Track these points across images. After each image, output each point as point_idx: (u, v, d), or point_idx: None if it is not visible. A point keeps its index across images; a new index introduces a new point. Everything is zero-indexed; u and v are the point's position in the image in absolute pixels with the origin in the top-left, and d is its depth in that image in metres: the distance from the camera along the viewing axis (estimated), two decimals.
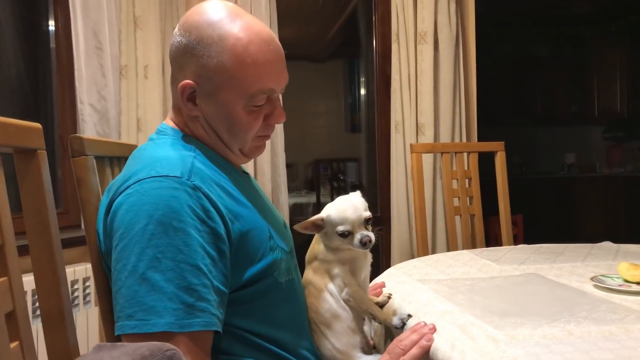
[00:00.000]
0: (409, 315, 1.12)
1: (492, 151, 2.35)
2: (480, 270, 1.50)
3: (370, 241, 1.11)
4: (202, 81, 1.05)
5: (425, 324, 1.04)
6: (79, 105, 2.58)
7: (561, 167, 6.21)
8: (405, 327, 1.10)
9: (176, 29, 1.08)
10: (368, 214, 1.14)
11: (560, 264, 1.54)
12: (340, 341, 1.14)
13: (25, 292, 0.87)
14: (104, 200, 1.02)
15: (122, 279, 0.90)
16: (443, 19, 2.85)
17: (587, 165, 6.17)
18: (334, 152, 6.07)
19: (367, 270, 1.19)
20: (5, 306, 0.80)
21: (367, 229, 1.13)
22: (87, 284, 2.39)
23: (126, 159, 1.12)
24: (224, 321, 0.96)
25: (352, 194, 1.18)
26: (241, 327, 1.02)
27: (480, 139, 2.99)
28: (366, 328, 1.26)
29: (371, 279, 1.35)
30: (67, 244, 2.09)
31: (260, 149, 1.17)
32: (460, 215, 2.29)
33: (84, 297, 2.38)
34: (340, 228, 1.11)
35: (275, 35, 1.10)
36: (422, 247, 2.19)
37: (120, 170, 1.25)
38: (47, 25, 2.78)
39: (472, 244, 2.29)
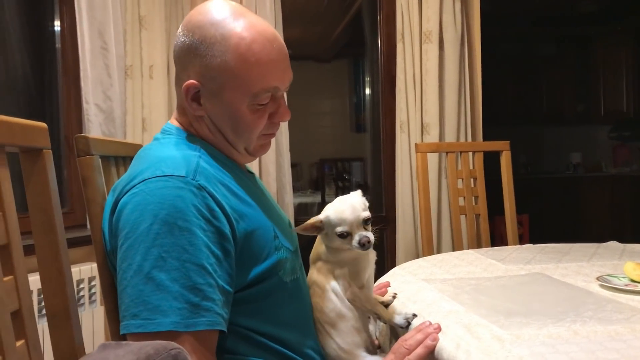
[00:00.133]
0: (414, 315, 1.12)
1: (498, 151, 2.34)
2: (485, 269, 1.50)
3: (368, 242, 1.10)
4: (206, 81, 1.05)
5: (430, 323, 1.04)
6: (84, 105, 2.58)
7: (567, 167, 6.19)
8: (410, 326, 1.10)
9: (180, 29, 1.08)
10: (367, 214, 1.13)
11: (566, 263, 1.53)
12: (345, 340, 1.14)
13: (31, 292, 0.88)
14: (110, 199, 1.02)
15: (128, 278, 0.91)
16: (448, 19, 2.84)
17: (593, 165, 6.15)
18: (339, 152, 6.06)
19: (371, 269, 1.19)
20: (11, 305, 0.81)
21: (366, 229, 1.12)
22: (93, 283, 2.40)
23: (131, 158, 1.12)
24: (229, 320, 0.96)
25: (352, 193, 1.18)
26: (246, 326, 1.02)
27: (485, 138, 2.98)
28: (371, 327, 1.26)
29: (376, 279, 1.35)
30: (73, 243, 2.10)
31: (265, 147, 1.17)
32: (466, 215, 2.28)
33: (90, 297, 2.38)
34: (339, 229, 1.11)
35: (278, 34, 1.10)
36: (427, 246, 2.19)
37: (125, 170, 1.25)
38: (53, 26, 2.79)
39: (477, 244, 2.29)
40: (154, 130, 2.67)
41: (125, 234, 0.93)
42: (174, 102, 2.44)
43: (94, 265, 2.34)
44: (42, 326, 1.83)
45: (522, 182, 3.44)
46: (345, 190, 5.32)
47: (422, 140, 2.85)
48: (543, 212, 5.39)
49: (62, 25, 2.72)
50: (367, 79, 6.11)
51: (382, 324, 1.28)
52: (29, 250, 0.88)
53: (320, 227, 1.14)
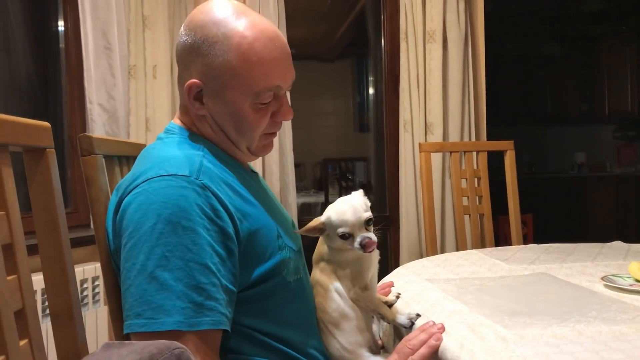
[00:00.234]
0: (418, 315, 1.12)
1: (502, 150, 2.34)
2: (489, 269, 1.49)
3: (370, 243, 1.08)
4: (208, 80, 1.05)
5: (434, 323, 1.04)
6: (88, 105, 2.59)
7: (571, 167, 6.17)
8: (414, 326, 1.10)
9: (182, 28, 1.08)
10: (368, 215, 1.11)
11: (571, 263, 1.53)
12: (348, 340, 1.13)
13: (35, 292, 0.88)
14: (113, 199, 1.02)
15: (131, 277, 0.91)
16: (452, 18, 2.84)
17: (598, 165, 6.13)
18: (343, 152, 6.06)
19: (374, 269, 1.18)
20: (15, 304, 0.81)
21: (368, 230, 1.11)
22: (97, 283, 2.40)
23: (135, 158, 1.13)
24: (232, 320, 0.96)
25: (354, 193, 1.16)
26: (250, 326, 1.02)
27: (489, 138, 2.97)
28: (375, 327, 1.26)
29: (380, 279, 1.35)
30: (77, 243, 2.10)
31: (267, 147, 1.17)
32: (470, 215, 2.28)
33: (94, 297, 2.39)
34: (340, 230, 1.10)
35: (280, 33, 1.09)
36: (431, 246, 2.19)
37: (129, 170, 1.25)
38: (57, 26, 2.80)
39: (481, 244, 2.28)
40: (158, 130, 2.68)
41: (129, 234, 0.93)
42: (178, 101, 2.44)
43: (98, 264, 2.36)
44: (46, 326, 1.83)
45: (526, 182, 3.43)
46: (348, 190, 5.30)
47: (425, 140, 2.84)
48: (547, 212, 5.38)
49: (65, 25, 2.72)
50: (371, 78, 6.10)
51: (385, 324, 1.28)
52: (32, 250, 0.88)
53: (322, 229, 1.13)
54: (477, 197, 2.30)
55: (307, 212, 4.50)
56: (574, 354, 0.85)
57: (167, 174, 0.95)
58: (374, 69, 5.50)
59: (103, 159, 1.13)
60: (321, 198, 5.12)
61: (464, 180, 2.31)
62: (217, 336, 0.93)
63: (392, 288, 1.36)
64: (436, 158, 2.77)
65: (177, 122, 1.15)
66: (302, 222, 1.16)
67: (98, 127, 2.59)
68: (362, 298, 1.14)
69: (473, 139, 2.88)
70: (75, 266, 0.98)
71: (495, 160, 2.41)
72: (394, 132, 2.98)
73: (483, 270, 1.48)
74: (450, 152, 2.33)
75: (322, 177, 5.80)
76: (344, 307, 1.14)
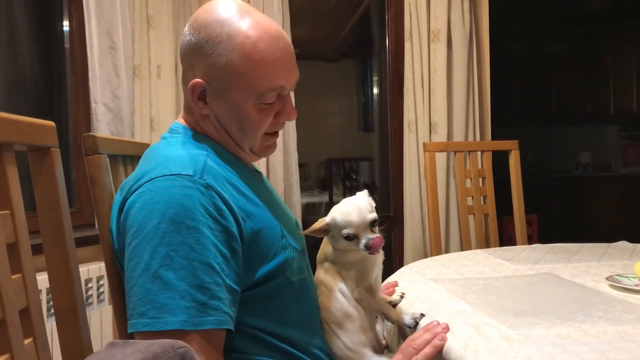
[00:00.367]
0: (422, 315, 1.12)
1: (506, 150, 2.33)
2: (494, 269, 1.49)
3: (374, 245, 1.08)
4: (212, 80, 1.05)
5: (438, 323, 1.03)
6: (92, 104, 2.59)
7: (576, 167, 6.15)
8: (418, 326, 1.10)
9: (186, 28, 1.08)
10: (373, 216, 1.11)
11: (576, 263, 1.52)
12: (352, 340, 1.13)
13: (40, 291, 0.88)
14: (117, 198, 1.02)
15: (135, 277, 0.91)
16: (456, 17, 2.83)
17: (603, 165, 6.10)
18: (347, 152, 6.06)
19: (378, 269, 1.18)
20: (20, 303, 0.81)
21: (373, 231, 1.10)
22: (101, 282, 2.40)
23: (139, 157, 1.13)
24: (236, 320, 0.96)
25: (358, 194, 1.16)
26: (254, 325, 1.02)
27: (494, 137, 2.97)
28: (379, 327, 1.26)
29: (384, 278, 1.34)
30: (81, 242, 2.10)
31: (270, 148, 1.16)
32: (474, 215, 2.27)
33: (98, 296, 2.39)
34: (345, 231, 1.09)
35: (284, 32, 1.09)
36: (435, 246, 2.18)
37: (133, 169, 1.25)
38: (62, 26, 2.81)
39: (485, 244, 2.28)
40: (162, 129, 2.68)
41: (133, 233, 0.93)
42: (182, 101, 2.45)
43: (102, 264, 2.35)
44: (50, 325, 1.83)
45: (531, 182, 3.41)
46: (352, 190, 5.31)
47: (430, 140, 2.84)
48: (552, 212, 5.36)
49: (70, 25, 2.73)
50: (375, 78, 6.10)
51: (389, 323, 1.28)
52: (37, 249, 0.89)
53: (327, 230, 1.13)
54: (481, 197, 2.29)
55: (311, 212, 4.49)
56: (579, 354, 0.84)
57: (171, 174, 0.95)
58: (378, 68, 5.49)
59: (107, 159, 1.14)
60: (325, 198, 5.11)
61: (468, 180, 2.31)
62: (221, 336, 0.93)
63: (396, 288, 1.36)
64: (440, 158, 2.77)
65: (181, 121, 1.15)
66: (306, 222, 1.15)
67: (103, 126, 2.60)
68: (366, 298, 1.14)
69: (477, 138, 2.88)
70: (79, 266, 0.99)
71: (499, 160, 2.40)
72: (399, 131, 2.97)
73: (487, 270, 1.48)
74: (455, 152, 2.33)
75: (326, 177, 5.80)
76: (347, 307, 1.14)
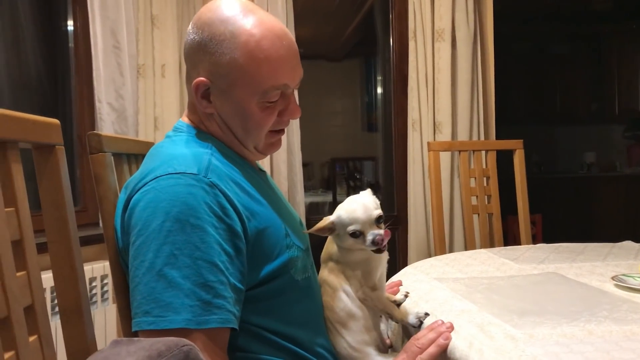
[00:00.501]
0: (426, 314, 1.11)
1: (511, 149, 2.32)
2: (498, 269, 1.49)
3: (382, 241, 1.08)
4: (216, 78, 1.05)
5: (443, 322, 1.03)
6: (97, 104, 2.60)
7: (581, 166, 6.13)
8: (423, 325, 1.09)
9: (190, 27, 1.08)
10: (379, 212, 1.11)
11: (580, 263, 1.52)
12: (355, 339, 1.13)
13: (44, 290, 0.88)
14: (122, 197, 1.02)
15: (140, 275, 0.91)
16: (461, 17, 2.83)
17: (608, 165, 6.08)
18: (351, 151, 6.06)
19: (382, 268, 1.18)
20: (24, 300, 0.81)
21: (379, 227, 1.10)
22: (105, 281, 2.41)
23: (143, 156, 1.13)
24: (240, 318, 0.96)
25: (362, 192, 1.16)
26: (258, 324, 1.02)
27: (498, 137, 2.96)
28: (383, 327, 1.25)
29: (388, 278, 1.34)
30: (85, 241, 2.11)
31: (275, 145, 1.16)
32: (478, 214, 2.27)
33: (102, 295, 2.40)
34: (351, 228, 1.09)
35: (288, 31, 1.09)
36: (440, 245, 2.18)
37: (137, 168, 1.25)
38: (66, 25, 2.82)
39: (490, 243, 2.27)
40: (166, 128, 2.68)
41: (138, 231, 0.93)
42: (186, 100, 2.45)
43: (106, 263, 2.37)
44: (55, 324, 1.84)
45: (535, 182, 3.40)
46: (356, 189, 5.31)
47: (434, 139, 2.83)
48: (556, 212, 5.35)
49: (75, 25, 2.74)
50: (379, 77, 6.10)
51: (394, 323, 1.27)
52: (42, 248, 0.89)
53: (332, 228, 1.13)
54: (485, 197, 2.29)
55: (315, 211, 4.49)
56: (584, 353, 0.84)
57: (176, 172, 0.95)
58: (382, 68, 5.49)
59: (112, 157, 1.14)
60: (329, 197, 5.11)
61: (472, 180, 2.30)
62: (225, 334, 0.93)
63: (400, 287, 1.36)
64: (445, 157, 2.76)
65: (185, 120, 1.15)
66: (309, 222, 1.15)
67: (107, 125, 2.60)
68: (370, 298, 1.14)
69: (482, 138, 2.87)
70: (84, 264, 0.99)
71: (504, 160, 2.39)
72: (403, 131, 2.97)
73: (492, 270, 1.48)
74: (459, 151, 2.33)
75: (330, 177, 5.80)
76: (351, 307, 1.13)
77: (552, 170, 6.14)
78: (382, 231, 1.09)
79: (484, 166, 2.32)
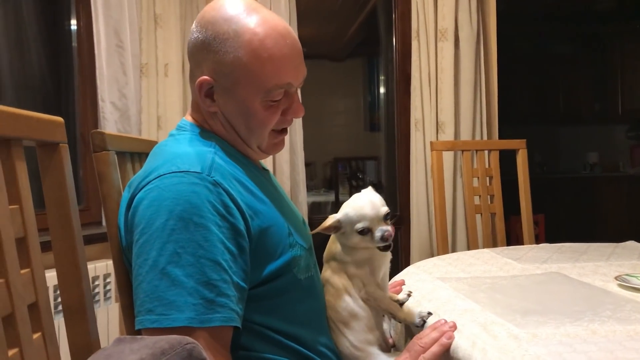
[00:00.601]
0: (429, 313, 1.11)
1: (514, 149, 2.32)
2: (501, 268, 1.48)
3: (391, 236, 1.09)
4: (219, 77, 1.05)
5: (446, 321, 1.03)
6: (100, 103, 2.60)
7: (584, 167, 6.12)
8: (426, 325, 1.09)
9: (194, 25, 1.08)
10: (386, 209, 1.11)
11: (584, 263, 1.51)
12: (358, 339, 1.13)
13: (48, 288, 0.88)
14: (125, 195, 1.02)
15: (143, 273, 0.91)
16: (464, 16, 2.83)
17: (611, 165, 6.07)
18: (353, 151, 6.06)
19: (386, 268, 1.18)
20: (28, 297, 0.81)
21: (386, 224, 1.11)
22: (108, 280, 2.41)
23: (147, 154, 1.13)
24: (243, 317, 0.96)
25: (363, 191, 1.17)
26: (261, 323, 1.02)
27: (501, 137, 2.95)
28: (385, 326, 1.25)
29: (390, 277, 1.34)
30: (88, 240, 2.11)
31: (278, 145, 1.16)
32: (481, 214, 2.27)
33: (105, 294, 2.40)
34: (359, 225, 1.09)
35: (292, 29, 1.09)
36: (442, 245, 2.18)
37: (141, 166, 1.25)
38: (69, 25, 2.82)
39: (492, 243, 2.27)
40: (169, 128, 2.69)
41: (141, 230, 0.93)
42: (189, 100, 2.45)
43: (109, 262, 2.37)
44: (58, 322, 1.84)
45: (538, 182, 3.40)
46: (359, 189, 5.28)
47: (437, 139, 2.83)
48: (559, 213, 5.34)
49: (78, 24, 2.74)
50: (382, 77, 6.10)
51: (396, 322, 1.27)
52: (45, 247, 0.89)
53: (338, 227, 1.13)
54: (488, 196, 2.29)
55: (317, 211, 4.49)
56: (587, 353, 0.84)
57: (179, 171, 0.95)
58: (385, 67, 5.49)
59: (115, 155, 1.14)
60: (331, 197, 5.11)
61: (475, 179, 2.30)
62: (228, 333, 0.93)
63: (402, 286, 1.36)
64: (448, 157, 2.76)
65: (188, 119, 1.15)
66: (312, 221, 1.15)
67: (110, 125, 2.60)
68: (373, 297, 1.14)
69: (485, 138, 2.87)
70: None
71: (506, 160, 2.39)
72: (405, 131, 2.97)
73: (495, 269, 1.47)
74: (462, 151, 2.32)
75: (333, 176, 5.80)
76: (353, 306, 1.13)
77: (555, 171, 6.13)
78: (390, 227, 1.10)
79: (487, 166, 2.32)
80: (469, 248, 2.40)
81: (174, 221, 0.91)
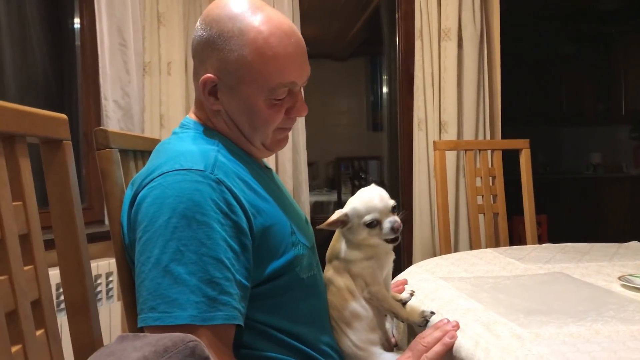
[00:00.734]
0: (432, 313, 1.11)
1: (517, 149, 2.32)
2: (504, 268, 1.48)
3: (400, 227, 1.10)
4: (223, 75, 1.05)
5: (449, 320, 1.03)
6: (103, 101, 2.61)
7: (586, 167, 6.11)
8: (428, 324, 1.09)
9: (198, 23, 1.08)
10: (393, 202, 1.12)
11: (587, 263, 1.51)
12: (360, 338, 1.13)
13: (51, 285, 0.88)
14: (128, 193, 1.02)
15: (146, 271, 0.91)
16: (467, 16, 2.82)
17: (614, 165, 6.06)
18: (356, 151, 6.06)
19: (389, 267, 1.18)
20: (31, 294, 0.82)
21: (394, 216, 1.11)
22: (110, 278, 2.41)
23: (150, 152, 1.13)
24: (246, 316, 0.96)
25: (366, 188, 1.17)
26: (263, 322, 1.02)
27: (504, 137, 2.95)
28: (388, 325, 1.25)
29: (393, 277, 1.34)
30: (91, 239, 2.11)
31: (282, 142, 1.16)
32: (484, 214, 2.26)
33: (107, 292, 2.40)
34: (368, 217, 1.09)
35: (296, 28, 1.09)
36: (445, 245, 2.17)
37: (144, 164, 1.25)
38: (73, 23, 2.83)
39: (495, 243, 2.27)
40: (172, 126, 2.68)
41: (144, 227, 0.93)
42: (192, 98, 2.45)
43: (112, 260, 2.38)
44: (61, 320, 1.84)
45: (541, 182, 3.39)
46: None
47: (440, 139, 2.83)
48: (562, 213, 5.33)
49: (81, 23, 2.75)
50: (385, 77, 6.10)
51: (399, 321, 1.27)
52: (48, 245, 0.89)
53: (345, 221, 1.13)
54: (491, 196, 2.28)
55: (320, 210, 4.50)
56: (590, 352, 0.83)
57: (182, 169, 0.95)
58: (388, 67, 5.49)
59: (118, 153, 1.14)
60: (334, 197, 5.11)
61: (478, 179, 2.30)
62: (230, 331, 0.93)
63: (405, 286, 1.36)
64: (451, 156, 2.76)
65: (192, 117, 1.15)
66: (314, 221, 1.15)
67: (113, 123, 2.61)
68: (375, 297, 1.14)
69: (488, 138, 2.86)
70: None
71: (509, 160, 2.39)
72: (408, 130, 2.97)
73: (498, 269, 1.47)
74: (465, 151, 2.32)
75: (335, 176, 5.80)
76: (355, 306, 1.13)
77: (558, 171, 6.12)
78: (398, 219, 1.10)
79: (490, 166, 2.32)
80: (471, 248, 2.40)
81: (177, 219, 0.91)
